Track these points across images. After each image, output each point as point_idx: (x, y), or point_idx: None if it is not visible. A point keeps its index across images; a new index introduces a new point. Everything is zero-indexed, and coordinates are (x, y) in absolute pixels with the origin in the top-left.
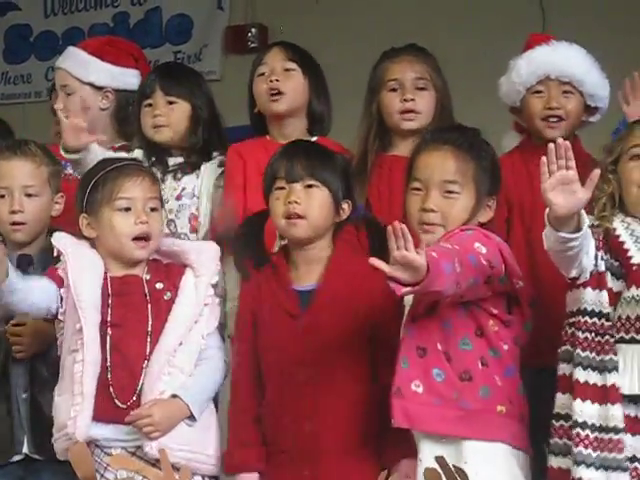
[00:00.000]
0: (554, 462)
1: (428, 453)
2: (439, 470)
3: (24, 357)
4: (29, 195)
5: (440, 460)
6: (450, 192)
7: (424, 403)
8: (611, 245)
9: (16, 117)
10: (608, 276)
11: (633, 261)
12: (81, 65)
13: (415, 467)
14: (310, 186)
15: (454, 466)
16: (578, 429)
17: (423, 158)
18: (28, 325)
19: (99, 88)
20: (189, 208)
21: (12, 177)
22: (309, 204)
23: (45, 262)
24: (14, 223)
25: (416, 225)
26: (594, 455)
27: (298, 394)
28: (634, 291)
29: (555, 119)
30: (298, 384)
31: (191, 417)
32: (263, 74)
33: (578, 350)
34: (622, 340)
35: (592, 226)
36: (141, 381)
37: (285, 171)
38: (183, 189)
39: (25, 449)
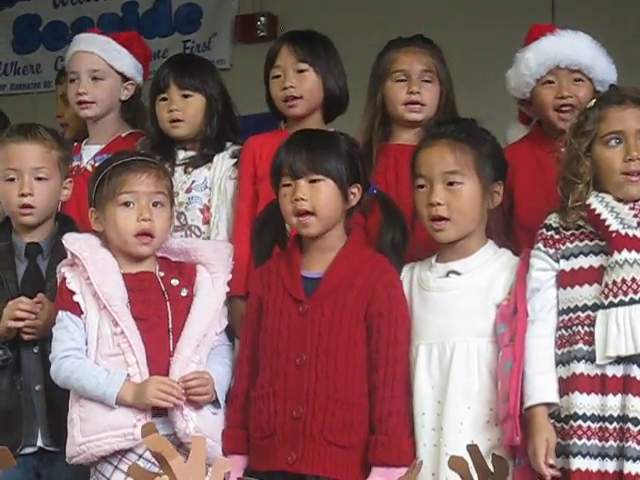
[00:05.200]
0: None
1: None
2: (467, 459)
3: (33, 338)
4: (39, 178)
5: (472, 449)
6: (453, 183)
7: None
8: (589, 220)
9: (25, 107)
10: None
11: (612, 229)
12: (115, 53)
13: (397, 475)
14: (314, 180)
15: (494, 455)
16: (580, 421)
17: (422, 154)
18: (45, 307)
19: (126, 79)
20: (200, 200)
21: (22, 160)
22: (316, 199)
23: (54, 249)
24: (23, 206)
25: (426, 222)
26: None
27: (291, 378)
28: (617, 256)
29: (568, 108)
30: (292, 368)
31: (215, 404)
32: (277, 76)
33: (580, 345)
34: (612, 304)
35: (569, 208)
36: (169, 377)
37: (288, 167)
38: (193, 182)
39: (39, 442)
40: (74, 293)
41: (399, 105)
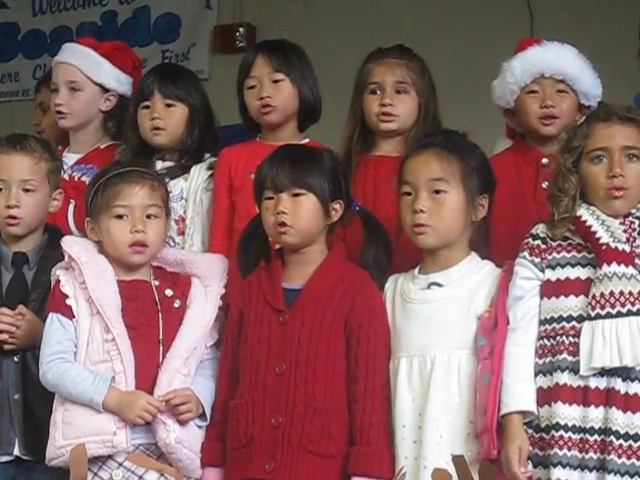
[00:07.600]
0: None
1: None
2: (451, 471)
3: (14, 348)
4: (26, 190)
5: (458, 459)
6: (438, 191)
7: None
8: (579, 231)
9: (3, 115)
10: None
11: (602, 241)
12: (94, 65)
13: None
14: (297, 194)
15: (481, 463)
16: (561, 431)
17: (409, 162)
18: (26, 317)
19: (105, 90)
20: (175, 211)
21: (10, 171)
22: (296, 213)
23: (40, 260)
24: (9, 217)
25: (408, 229)
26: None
27: (270, 387)
28: (606, 269)
29: (550, 119)
30: (272, 377)
31: (201, 417)
32: (252, 87)
33: (564, 355)
34: (598, 316)
35: (556, 221)
36: (156, 387)
37: (271, 181)
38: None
39: (16, 451)
40: (67, 296)
41: (373, 116)
